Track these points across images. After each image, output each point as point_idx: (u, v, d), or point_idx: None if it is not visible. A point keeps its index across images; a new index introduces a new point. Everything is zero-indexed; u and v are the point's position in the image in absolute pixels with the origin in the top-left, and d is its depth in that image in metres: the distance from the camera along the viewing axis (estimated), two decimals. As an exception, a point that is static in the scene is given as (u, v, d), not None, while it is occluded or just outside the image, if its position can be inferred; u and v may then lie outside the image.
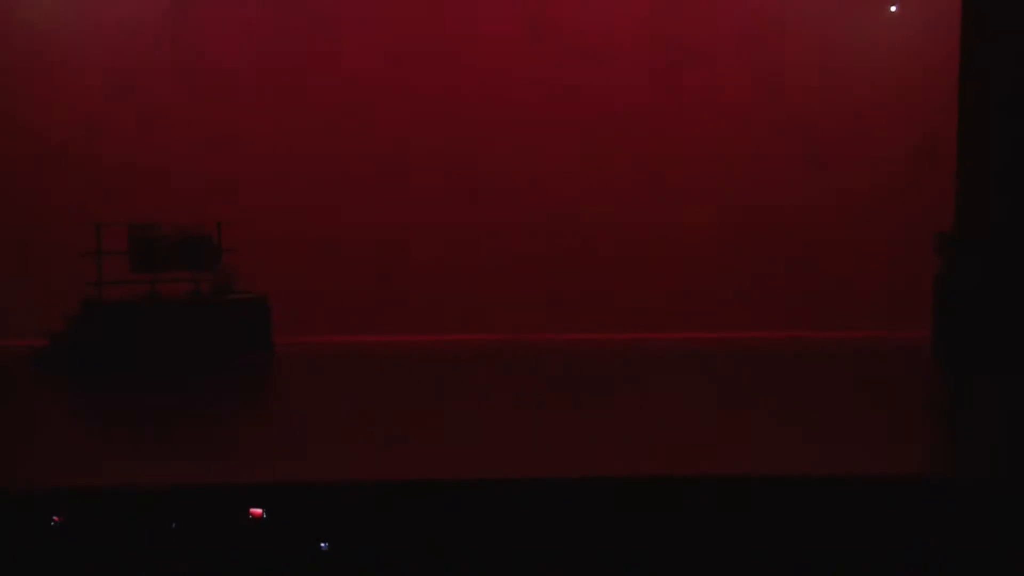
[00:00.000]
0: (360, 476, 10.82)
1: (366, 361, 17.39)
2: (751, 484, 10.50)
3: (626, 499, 10.12)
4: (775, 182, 18.75)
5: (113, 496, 10.21)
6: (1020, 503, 9.74)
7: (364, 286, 18.48)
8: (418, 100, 18.67)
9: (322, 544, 8.51)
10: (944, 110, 17.72)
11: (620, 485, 10.36)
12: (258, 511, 9.49)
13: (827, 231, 18.71)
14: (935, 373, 13.59)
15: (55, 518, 9.14)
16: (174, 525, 9.65)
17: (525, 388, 15.63)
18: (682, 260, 18.76)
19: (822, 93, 18.76)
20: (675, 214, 18.79)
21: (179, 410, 14.48)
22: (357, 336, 18.26)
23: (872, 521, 9.63)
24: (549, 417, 13.68)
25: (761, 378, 16.29)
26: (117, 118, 18.32)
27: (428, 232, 18.67)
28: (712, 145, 18.77)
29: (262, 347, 17.25)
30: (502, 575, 8.68)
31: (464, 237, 18.70)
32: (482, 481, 10.48)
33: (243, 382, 16.36)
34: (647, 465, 11.11)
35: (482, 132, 18.75)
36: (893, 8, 18.38)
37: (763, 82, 18.78)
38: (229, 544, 8.88)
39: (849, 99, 18.77)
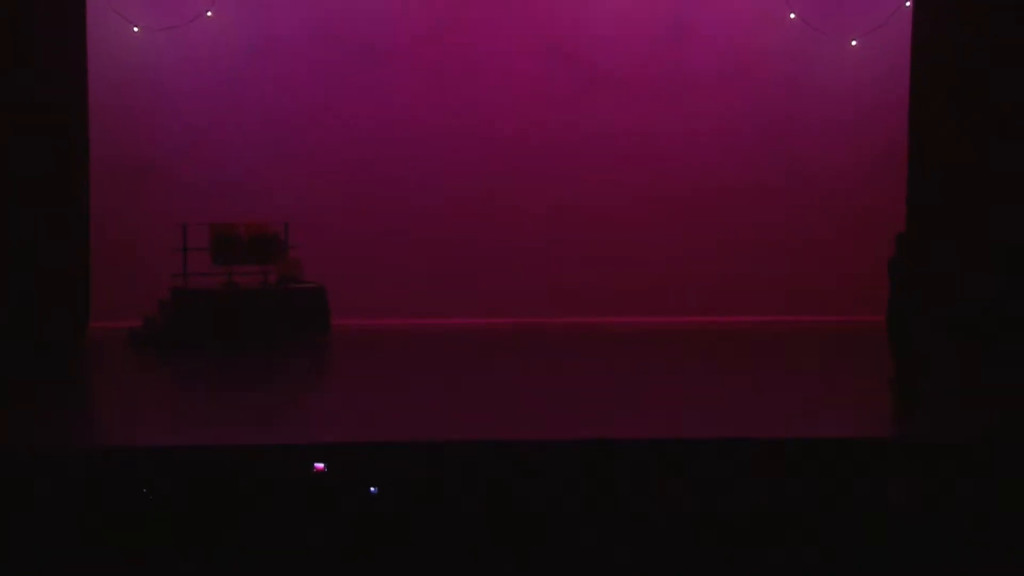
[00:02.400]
0: (407, 438, 10.95)
1: (409, 341, 17.42)
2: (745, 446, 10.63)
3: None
4: (761, 187, 18.74)
5: (193, 454, 10.36)
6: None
7: (409, 276, 18.49)
8: (450, 116, 18.71)
9: (372, 489, 8.50)
10: (898, 127, 17.74)
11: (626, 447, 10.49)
12: (320, 466, 9.61)
13: (800, 230, 18.68)
14: (893, 352, 13.59)
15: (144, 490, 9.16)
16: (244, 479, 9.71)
17: (549, 363, 15.70)
18: (675, 256, 18.73)
19: (799, 113, 18.77)
20: (670, 217, 18.79)
21: (250, 382, 14.72)
22: (403, 319, 18.28)
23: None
24: (572, 387, 13.78)
25: (743, 355, 16.37)
26: (200, 136, 18.37)
27: (460, 230, 18.68)
28: (706, 155, 18.79)
29: (321, 329, 17.31)
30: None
31: (490, 235, 18.71)
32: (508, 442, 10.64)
33: (304, 359, 16.45)
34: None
35: (507, 142, 18.82)
36: (853, 43, 18.38)
37: (744, 106, 18.79)
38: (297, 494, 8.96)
39: (820, 118, 18.75)
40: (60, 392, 14.04)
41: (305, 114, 18.57)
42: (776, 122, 18.85)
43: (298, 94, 18.58)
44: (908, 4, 17.61)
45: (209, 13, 18.06)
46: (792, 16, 18.45)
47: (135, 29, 17.94)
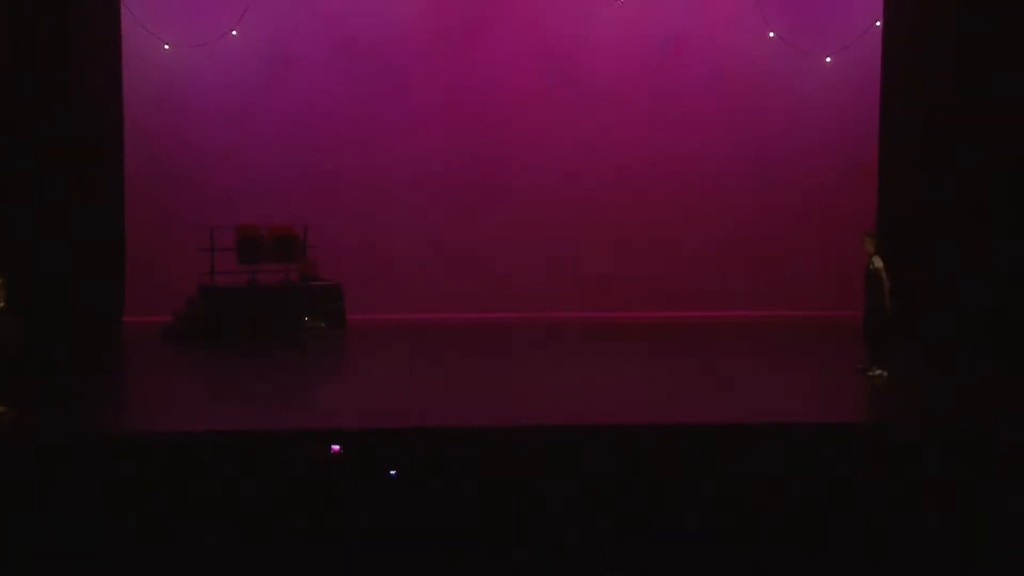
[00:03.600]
0: (414, 424, 11.01)
1: (417, 334, 17.53)
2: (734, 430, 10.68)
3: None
4: (739, 195, 18.87)
5: (220, 438, 10.43)
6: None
7: (420, 275, 18.65)
8: (459, 125, 18.87)
9: (391, 472, 8.48)
10: (868, 135, 17.84)
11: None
12: (336, 447, 9.68)
13: (779, 234, 18.80)
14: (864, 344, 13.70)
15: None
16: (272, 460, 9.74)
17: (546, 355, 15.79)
18: (659, 257, 18.95)
19: (778, 123, 18.96)
20: (661, 220, 18.95)
21: (272, 371, 14.81)
22: (412, 314, 18.40)
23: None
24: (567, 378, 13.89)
25: (730, 348, 16.46)
26: (227, 145, 18.58)
27: (466, 232, 18.81)
28: (694, 161, 18.99)
29: (337, 323, 17.43)
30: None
31: (494, 235, 18.83)
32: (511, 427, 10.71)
33: (322, 350, 16.53)
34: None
35: (511, 150, 19.04)
36: (828, 59, 18.49)
37: (729, 117, 18.97)
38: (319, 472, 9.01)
39: (797, 127, 18.94)
40: (96, 382, 14.12)
41: (323, 125, 18.89)
42: (757, 130, 19.12)
43: (316, 106, 18.83)
44: (878, 24, 17.70)
45: (234, 31, 18.18)
46: (771, 35, 18.60)
47: (166, 47, 18.10)
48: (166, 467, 9.63)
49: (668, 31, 18.97)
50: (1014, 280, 15.48)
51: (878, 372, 13.44)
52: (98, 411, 12.59)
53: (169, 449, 10.23)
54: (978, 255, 16.11)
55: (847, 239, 15.86)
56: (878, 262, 13.56)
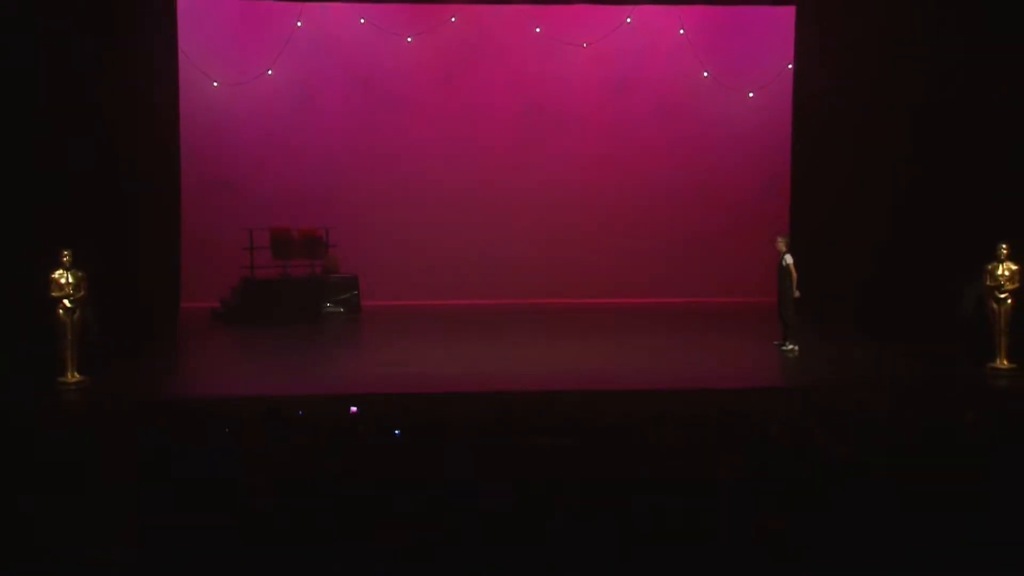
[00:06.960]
0: (420, 390, 11.08)
1: (422, 318, 17.58)
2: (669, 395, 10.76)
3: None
4: (680, 204, 19.03)
5: (258, 401, 10.50)
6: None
7: (423, 268, 18.70)
8: (453, 145, 19.00)
9: (396, 432, 8.40)
10: (783, 155, 17.97)
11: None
12: (354, 409, 9.71)
13: (712, 236, 18.93)
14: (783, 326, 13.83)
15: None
16: (300, 413, 9.71)
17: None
18: (620, 253, 19.05)
19: (710, 145, 19.14)
20: (614, 224, 19.09)
21: (300, 347, 14.85)
22: (417, 301, 18.46)
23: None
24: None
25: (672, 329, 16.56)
26: (264, 163, 18.66)
27: (462, 233, 18.90)
28: (641, 177, 19.13)
29: (353, 309, 17.53)
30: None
31: (485, 236, 18.93)
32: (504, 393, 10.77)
33: (342, 331, 16.63)
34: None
35: (496, 168, 19.11)
36: (751, 94, 18.62)
37: (671, 141, 19.15)
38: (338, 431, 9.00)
39: (725, 149, 19.10)
40: (160, 356, 14.20)
41: (342, 145, 18.94)
42: (693, 152, 19.31)
43: (337, 130, 19.01)
44: (790, 67, 17.90)
45: (270, 71, 18.21)
46: (705, 75, 18.75)
47: (215, 84, 18.08)
48: (213, 425, 9.61)
49: (621, 71, 19.17)
50: (901, 274, 15.62)
51: (790, 347, 13.60)
52: (162, 379, 12.75)
53: (216, 409, 10.26)
54: (871, 254, 16.23)
55: (768, 239, 15.92)
56: (789, 259, 13.75)
